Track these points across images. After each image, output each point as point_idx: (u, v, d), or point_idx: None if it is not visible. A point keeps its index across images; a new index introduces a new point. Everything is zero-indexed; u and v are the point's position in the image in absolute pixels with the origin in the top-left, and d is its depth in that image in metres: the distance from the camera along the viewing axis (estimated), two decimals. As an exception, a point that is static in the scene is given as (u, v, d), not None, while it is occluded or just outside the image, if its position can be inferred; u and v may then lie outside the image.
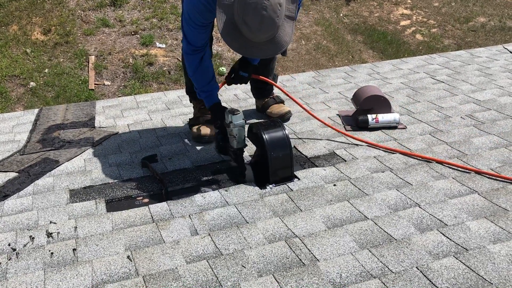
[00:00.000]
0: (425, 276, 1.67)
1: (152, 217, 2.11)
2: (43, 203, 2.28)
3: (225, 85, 2.78)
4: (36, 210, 2.22)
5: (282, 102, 3.17)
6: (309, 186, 2.28)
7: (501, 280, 1.63)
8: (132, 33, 7.91)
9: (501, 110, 3.02)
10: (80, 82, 6.89)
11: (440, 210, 2.04)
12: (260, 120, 2.61)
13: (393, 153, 2.55)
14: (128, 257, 1.85)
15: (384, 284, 1.64)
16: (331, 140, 2.75)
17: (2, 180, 2.52)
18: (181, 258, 1.83)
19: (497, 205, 2.06)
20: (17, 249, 1.94)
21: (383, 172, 2.38)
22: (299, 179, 2.35)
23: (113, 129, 3.13)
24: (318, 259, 1.78)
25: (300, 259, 1.79)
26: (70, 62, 7.28)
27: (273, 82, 2.94)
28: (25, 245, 1.96)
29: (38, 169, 2.61)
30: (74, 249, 1.91)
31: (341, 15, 9.49)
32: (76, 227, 2.07)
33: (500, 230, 1.89)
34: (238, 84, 2.70)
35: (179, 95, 3.69)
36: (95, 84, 6.92)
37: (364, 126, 2.85)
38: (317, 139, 2.78)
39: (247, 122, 2.43)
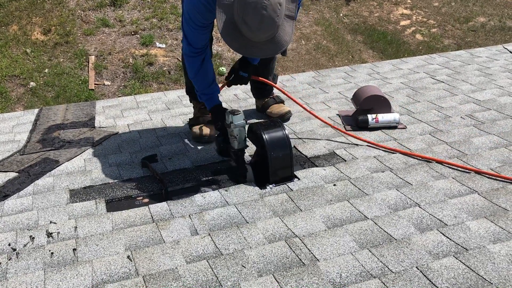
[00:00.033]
0: (425, 276, 1.67)
1: (152, 217, 2.11)
2: (43, 203, 2.28)
3: (226, 86, 2.78)
4: (36, 210, 2.22)
5: (282, 102, 3.17)
6: (309, 186, 2.28)
7: (501, 280, 1.63)
8: (132, 33, 7.91)
9: (501, 110, 3.02)
10: (80, 82, 6.89)
11: (440, 210, 2.05)
12: (260, 120, 2.61)
13: (393, 153, 2.55)
14: (128, 257, 1.85)
15: (384, 284, 1.64)
16: (331, 140, 2.75)
17: (2, 180, 2.52)
18: (181, 258, 1.83)
19: (497, 205, 2.06)
20: (17, 249, 1.94)
21: (383, 172, 2.38)
22: (299, 179, 2.35)
23: (113, 129, 3.13)
24: (318, 259, 1.78)
25: (300, 259, 1.79)
26: (70, 62, 7.29)
27: (272, 83, 2.94)
28: (25, 245, 1.96)
29: (38, 169, 2.61)
30: (74, 249, 1.91)
31: (341, 15, 9.50)
32: (76, 227, 2.07)
33: (500, 230, 1.89)
34: (239, 85, 2.70)
35: (179, 95, 3.69)
36: (95, 84, 6.92)
37: (364, 126, 2.86)
38: (317, 139, 2.78)
39: (247, 122, 2.43)
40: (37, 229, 2.07)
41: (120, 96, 6.40)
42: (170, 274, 1.75)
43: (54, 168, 2.61)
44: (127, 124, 3.19)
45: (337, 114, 3.11)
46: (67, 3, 8.38)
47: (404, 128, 2.85)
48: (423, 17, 9.52)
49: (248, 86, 3.27)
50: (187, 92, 3.07)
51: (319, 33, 8.77)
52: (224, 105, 2.63)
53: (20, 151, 2.87)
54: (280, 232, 1.96)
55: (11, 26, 7.73)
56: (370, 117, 2.84)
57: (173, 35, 7.97)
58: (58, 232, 2.04)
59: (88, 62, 7.26)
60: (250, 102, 3.39)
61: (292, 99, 2.95)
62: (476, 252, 1.77)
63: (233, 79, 2.67)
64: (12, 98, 6.51)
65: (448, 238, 1.86)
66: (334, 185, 2.28)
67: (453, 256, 1.76)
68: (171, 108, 3.45)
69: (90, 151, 2.81)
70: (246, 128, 2.42)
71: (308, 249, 1.84)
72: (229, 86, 2.73)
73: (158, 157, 2.68)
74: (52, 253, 1.90)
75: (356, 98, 3.04)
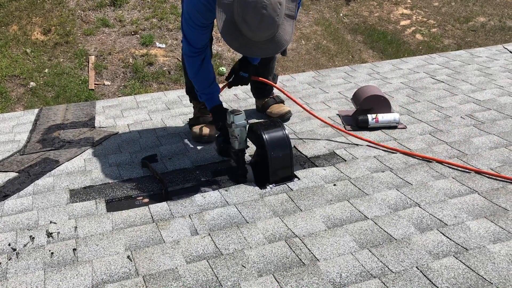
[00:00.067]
0: (425, 276, 1.67)
1: (152, 217, 2.11)
2: (43, 203, 2.29)
3: (226, 87, 2.77)
4: (36, 210, 2.22)
5: (282, 102, 3.17)
6: (309, 186, 2.28)
7: (501, 280, 1.63)
8: (132, 33, 7.91)
9: (501, 110, 3.02)
10: (80, 82, 6.89)
11: (440, 210, 2.05)
12: (260, 120, 2.61)
13: (394, 153, 2.55)
14: (128, 257, 1.85)
15: (384, 284, 1.64)
16: (331, 140, 2.75)
17: (2, 180, 2.52)
18: (181, 258, 1.83)
19: (497, 204, 2.06)
20: (17, 249, 1.94)
21: (383, 172, 2.38)
22: (299, 179, 2.35)
23: (113, 129, 3.13)
24: (318, 259, 1.78)
25: (300, 259, 1.79)
26: (70, 62, 7.29)
27: (272, 83, 2.94)
28: (25, 245, 1.96)
29: (38, 169, 2.61)
30: (74, 249, 1.91)
31: (341, 15, 9.49)
32: (76, 227, 2.07)
33: (500, 230, 1.89)
34: (240, 85, 2.70)
35: (179, 95, 3.69)
36: (95, 84, 6.92)
37: (364, 126, 2.86)
38: (317, 139, 2.78)
39: (248, 122, 2.42)
40: (37, 229, 2.07)
41: (120, 96, 6.40)
42: (170, 274, 1.75)
43: (54, 168, 2.61)
44: (127, 124, 3.19)
45: (337, 114, 3.11)
46: (67, 3, 8.38)
47: (404, 128, 2.85)
48: (423, 17, 9.52)
49: (248, 86, 3.27)
50: (187, 92, 3.07)
51: (319, 33, 8.77)
52: (224, 105, 2.63)
53: (20, 151, 2.87)
54: (280, 232, 1.96)
55: (11, 26, 7.73)
56: (370, 117, 2.84)
57: (173, 35, 7.97)
58: (58, 232, 2.04)
59: (88, 62, 7.26)
60: (250, 102, 3.39)
61: (292, 99, 2.95)
62: (476, 252, 1.77)
63: (234, 79, 2.67)
64: (12, 98, 6.51)
65: (448, 238, 1.86)
66: (334, 185, 2.28)
67: (453, 256, 1.76)
68: (171, 108, 3.45)
69: (90, 151, 2.81)
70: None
71: (308, 249, 1.84)
72: (229, 87, 2.73)
73: (158, 157, 2.68)
74: (52, 253, 1.90)
75: (356, 98, 3.04)
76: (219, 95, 2.63)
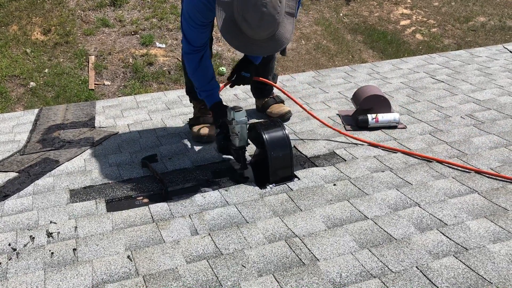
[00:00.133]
0: (425, 275, 1.67)
1: (152, 217, 2.11)
2: (43, 203, 2.29)
3: (226, 86, 2.77)
4: (36, 210, 2.22)
5: (282, 102, 3.17)
6: (309, 186, 2.28)
7: (501, 279, 1.63)
8: (132, 33, 7.92)
9: (501, 109, 3.02)
10: (80, 82, 6.89)
11: (440, 209, 2.05)
12: (260, 120, 2.61)
13: (394, 153, 2.55)
14: (128, 257, 1.85)
15: (384, 283, 1.64)
16: (331, 140, 2.75)
17: (2, 180, 2.52)
18: (181, 258, 1.83)
19: (497, 204, 2.06)
20: (17, 249, 1.94)
21: (383, 171, 2.38)
22: (299, 178, 2.35)
23: (113, 129, 3.13)
24: (318, 259, 1.78)
25: (300, 259, 1.79)
26: (70, 62, 7.29)
27: (272, 83, 2.94)
28: (25, 245, 1.96)
29: (38, 169, 2.61)
30: (74, 249, 1.91)
31: (341, 14, 9.50)
32: (76, 227, 2.07)
33: (500, 229, 1.89)
34: (241, 85, 2.70)
35: (179, 95, 3.69)
36: (95, 84, 6.93)
37: (364, 125, 2.86)
38: (317, 139, 2.78)
39: (249, 119, 2.41)
40: (37, 229, 2.07)
41: (120, 96, 6.40)
42: (170, 274, 1.75)
43: (54, 168, 2.61)
44: (127, 124, 3.19)
45: (337, 114, 3.11)
46: (67, 3, 8.39)
47: (404, 128, 2.85)
48: (423, 17, 9.52)
49: (248, 86, 3.27)
50: (187, 92, 3.07)
51: (319, 33, 8.77)
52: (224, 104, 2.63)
53: (20, 151, 2.87)
54: (280, 232, 1.96)
55: (11, 26, 7.74)
56: (370, 117, 2.84)
57: (173, 35, 7.97)
58: (58, 232, 2.04)
59: (88, 62, 7.26)
60: (250, 102, 3.40)
61: (292, 99, 2.95)
62: (476, 251, 1.77)
63: (236, 79, 2.66)
64: (12, 98, 6.52)
65: (448, 237, 1.86)
66: (334, 185, 2.28)
67: (453, 255, 1.76)
68: (171, 108, 3.45)
69: (90, 151, 2.81)
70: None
71: (308, 249, 1.84)
72: (232, 86, 2.72)
73: (158, 157, 2.68)
74: (52, 253, 1.90)
75: (356, 98, 3.04)
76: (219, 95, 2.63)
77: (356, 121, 2.89)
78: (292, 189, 2.26)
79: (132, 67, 7.20)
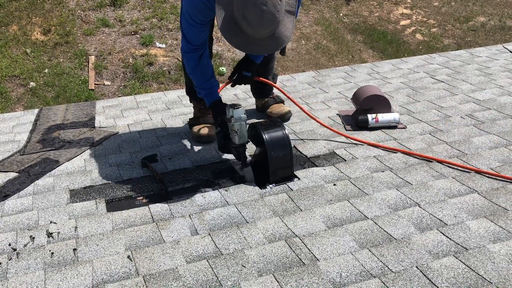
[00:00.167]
0: (425, 275, 1.67)
1: (152, 217, 2.11)
2: (43, 203, 2.29)
3: (227, 86, 2.77)
4: (37, 210, 2.22)
5: (282, 102, 3.17)
6: (309, 186, 2.28)
7: (500, 279, 1.63)
8: (132, 33, 7.92)
9: (501, 109, 3.02)
10: (80, 82, 6.89)
11: (440, 209, 2.05)
12: (260, 120, 2.61)
13: (394, 153, 2.55)
14: (128, 257, 1.85)
15: (384, 283, 1.64)
16: (331, 140, 2.76)
17: (2, 180, 2.52)
18: (181, 258, 1.83)
19: (497, 204, 2.06)
20: (17, 249, 1.94)
21: (383, 171, 2.38)
22: (299, 178, 2.35)
23: (113, 129, 3.13)
24: (318, 259, 1.79)
25: (300, 259, 1.79)
26: (70, 62, 7.29)
27: (272, 83, 2.93)
28: (25, 245, 1.96)
29: (38, 169, 2.61)
30: (74, 249, 1.92)
31: (341, 14, 9.50)
32: (77, 227, 2.07)
33: (500, 229, 1.89)
34: (242, 84, 2.69)
35: (179, 95, 3.70)
36: (95, 84, 6.93)
37: (364, 125, 2.86)
38: (317, 139, 2.78)
39: (248, 117, 2.41)
40: (37, 229, 2.07)
41: (120, 96, 6.40)
42: (170, 274, 1.75)
43: (54, 168, 2.61)
44: (127, 124, 3.19)
45: (337, 114, 3.11)
46: (67, 3, 8.39)
47: (404, 128, 2.85)
48: (423, 17, 9.52)
49: (248, 86, 3.27)
50: (187, 92, 3.07)
51: (319, 33, 8.77)
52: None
53: (20, 151, 2.87)
54: (280, 232, 1.96)
55: (11, 26, 7.74)
56: (370, 116, 2.84)
57: (173, 35, 7.97)
58: (58, 232, 2.04)
59: (88, 62, 7.26)
60: (250, 102, 3.40)
61: (290, 99, 2.94)
62: (476, 251, 1.77)
63: (237, 78, 2.66)
64: (12, 98, 6.52)
65: (448, 237, 1.86)
66: (334, 185, 2.28)
67: (453, 255, 1.76)
68: (171, 108, 3.45)
69: (90, 151, 2.81)
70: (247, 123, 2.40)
71: (308, 249, 1.84)
72: (233, 85, 2.72)
73: (158, 157, 2.68)
74: (52, 253, 1.90)
75: (356, 98, 3.04)
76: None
77: (356, 121, 2.89)
78: (292, 189, 2.27)
79: (132, 67, 7.20)
